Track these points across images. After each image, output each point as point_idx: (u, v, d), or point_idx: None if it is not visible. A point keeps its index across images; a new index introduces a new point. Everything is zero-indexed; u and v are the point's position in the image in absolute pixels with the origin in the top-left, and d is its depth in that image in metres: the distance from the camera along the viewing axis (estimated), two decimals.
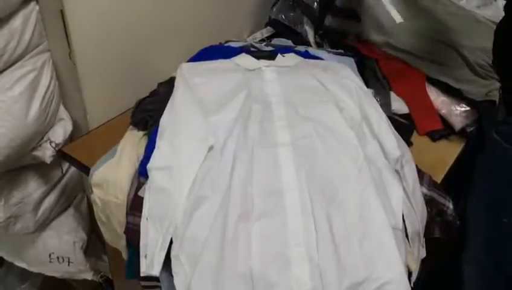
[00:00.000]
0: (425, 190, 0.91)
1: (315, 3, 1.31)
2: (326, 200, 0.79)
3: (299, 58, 1.08)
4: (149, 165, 0.85)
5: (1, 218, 1.09)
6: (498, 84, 1.08)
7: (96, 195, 0.89)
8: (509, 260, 0.91)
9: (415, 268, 0.81)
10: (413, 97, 1.16)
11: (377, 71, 1.20)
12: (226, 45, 1.22)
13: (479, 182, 0.96)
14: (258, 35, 1.38)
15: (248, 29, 1.46)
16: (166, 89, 1.04)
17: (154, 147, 0.88)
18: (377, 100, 1.03)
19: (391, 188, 0.85)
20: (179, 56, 1.11)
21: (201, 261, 0.73)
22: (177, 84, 0.97)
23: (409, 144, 1.05)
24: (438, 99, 1.16)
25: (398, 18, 1.23)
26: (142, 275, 0.77)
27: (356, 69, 1.13)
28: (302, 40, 1.31)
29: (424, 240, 0.87)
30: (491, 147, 0.91)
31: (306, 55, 1.13)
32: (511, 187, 0.87)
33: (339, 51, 1.20)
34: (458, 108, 1.13)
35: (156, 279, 0.78)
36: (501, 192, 0.89)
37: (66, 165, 1.20)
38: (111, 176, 0.88)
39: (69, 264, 1.25)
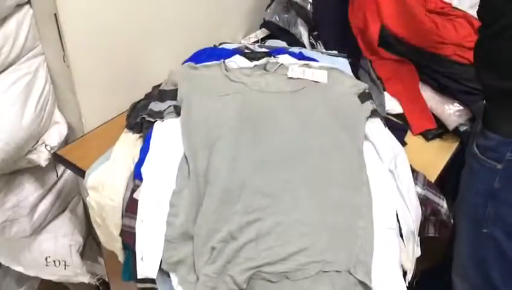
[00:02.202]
0: (419, 189, 0.91)
1: (309, 5, 1.32)
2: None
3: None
4: (143, 168, 0.85)
5: None
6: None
7: (92, 198, 0.89)
8: (493, 270, 0.92)
9: (410, 267, 0.81)
10: (407, 97, 1.16)
11: (370, 72, 1.20)
12: (220, 47, 1.23)
13: (462, 194, 0.98)
14: (253, 37, 1.39)
15: (242, 31, 1.47)
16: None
17: (148, 150, 0.89)
18: (371, 101, 1.03)
19: (385, 187, 0.85)
20: (174, 59, 1.11)
21: None
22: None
23: (403, 143, 1.05)
24: (431, 99, 1.16)
25: None
26: (139, 277, 0.77)
27: (350, 70, 1.14)
28: (297, 42, 1.31)
29: (418, 239, 0.88)
30: (470, 159, 0.92)
31: (300, 56, 1.14)
32: (488, 200, 0.89)
33: (333, 52, 1.21)
34: (452, 107, 1.14)
35: (152, 281, 0.78)
36: (479, 205, 0.91)
37: (61, 169, 1.20)
38: (106, 179, 0.89)
39: (65, 268, 1.25)
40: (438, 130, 1.14)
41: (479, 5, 0.85)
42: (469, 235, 0.96)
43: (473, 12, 1.36)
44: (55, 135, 1.11)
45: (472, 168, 0.92)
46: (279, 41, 1.30)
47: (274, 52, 1.13)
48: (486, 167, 0.88)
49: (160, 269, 0.77)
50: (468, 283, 0.99)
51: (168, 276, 0.77)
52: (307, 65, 1.06)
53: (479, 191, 0.91)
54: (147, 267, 0.77)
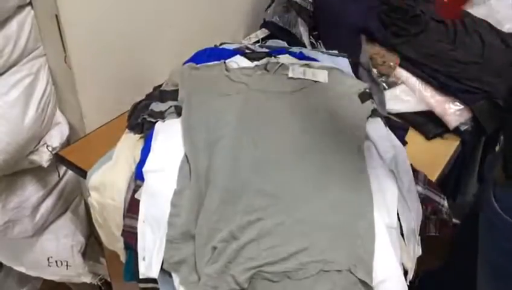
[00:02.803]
0: (420, 189, 0.92)
1: (309, 5, 1.32)
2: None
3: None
4: (144, 168, 0.86)
5: None
6: None
7: (94, 198, 0.90)
8: None
9: (411, 266, 0.81)
10: None
11: (371, 71, 1.20)
12: (221, 47, 1.23)
13: (482, 247, 0.91)
14: (253, 37, 1.39)
15: (243, 31, 1.47)
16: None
17: (149, 150, 0.89)
18: (371, 100, 1.03)
19: (386, 187, 0.85)
20: (174, 59, 1.11)
21: None
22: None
23: (404, 143, 1.05)
24: (432, 98, 1.16)
25: None
26: (141, 277, 0.77)
27: (351, 70, 1.14)
28: (297, 41, 1.31)
29: (419, 238, 0.88)
30: (491, 215, 0.85)
31: (300, 56, 1.14)
32: None
33: (333, 51, 1.21)
34: (452, 106, 1.14)
35: (154, 280, 0.78)
36: (504, 261, 0.85)
37: (63, 169, 1.20)
38: (108, 179, 0.89)
39: (67, 268, 1.26)
40: (439, 129, 1.14)
41: None
42: (493, 288, 0.90)
43: (473, 11, 1.37)
44: (56, 136, 1.11)
45: (492, 224, 0.84)
46: (279, 41, 1.30)
47: (274, 52, 1.13)
48: (508, 225, 0.80)
49: (162, 269, 0.77)
50: None
51: (170, 276, 0.77)
52: (307, 65, 1.06)
53: (503, 248, 0.84)
54: (148, 267, 0.77)
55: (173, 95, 0.99)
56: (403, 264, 0.80)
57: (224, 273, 0.73)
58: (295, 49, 1.19)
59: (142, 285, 0.82)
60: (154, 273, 0.76)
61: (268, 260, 0.73)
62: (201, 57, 1.11)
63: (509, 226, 0.81)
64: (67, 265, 1.26)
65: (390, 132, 0.97)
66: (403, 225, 0.82)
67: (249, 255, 0.74)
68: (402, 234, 0.82)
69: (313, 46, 1.31)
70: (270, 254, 0.74)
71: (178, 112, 0.95)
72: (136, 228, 0.81)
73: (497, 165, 0.86)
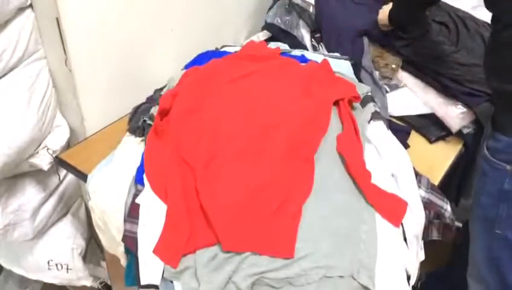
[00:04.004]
0: (423, 193, 0.91)
1: (311, 7, 1.31)
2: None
3: None
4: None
5: None
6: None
7: (94, 202, 0.89)
8: (509, 271, 0.92)
9: (414, 271, 0.81)
10: None
11: (373, 74, 1.20)
12: (222, 50, 1.22)
13: (474, 196, 0.98)
14: (255, 39, 1.38)
15: (244, 33, 1.47)
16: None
17: None
18: (373, 103, 1.03)
19: (388, 191, 0.85)
20: (175, 62, 1.11)
21: None
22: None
23: (406, 146, 1.05)
24: (434, 100, 1.16)
25: None
26: (142, 283, 0.77)
27: (352, 73, 1.13)
28: (298, 44, 1.31)
29: (422, 242, 0.88)
30: (481, 161, 0.93)
31: (302, 59, 1.13)
32: (499, 202, 0.90)
33: (335, 54, 1.21)
34: (455, 109, 1.13)
35: (155, 286, 0.78)
36: (491, 206, 0.91)
37: (63, 172, 1.20)
38: (108, 183, 0.88)
39: (67, 271, 1.25)
40: (441, 132, 1.13)
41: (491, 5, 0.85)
42: (483, 237, 0.95)
43: (475, 13, 1.36)
44: (57, 139, 1.11)
45: (483, 170, 0.92)
46: (281, 43, 1.30)
47: None
48: (496, 168, 0.88)
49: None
50: (484, 284, 0.98)
51: (171, 281, 0.76)
52: None
53: (490, 192, 0.91)
54: (150, 273, 0.76)
55: None
56: (406, 269, 0.79)
57: (226, 280, 0.72)
58: (297, 52, 1.19)
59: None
60: (156, 279, 0.76)
61: (270, 267, 0.72)
62: (202, 60, 1.11)
63: (493, 166, 0.89)
64: (67, 268, 1.25)
65: (392, 135, 0.97)
66: (405, 229, 0.82)
67: (251, 262, 0.73)
68: (405, 239, 0.81)
69: (315, 49, 1.30)
70: (272, 260, 0.73)
71: None
72: (136, 233, 0.80)
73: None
